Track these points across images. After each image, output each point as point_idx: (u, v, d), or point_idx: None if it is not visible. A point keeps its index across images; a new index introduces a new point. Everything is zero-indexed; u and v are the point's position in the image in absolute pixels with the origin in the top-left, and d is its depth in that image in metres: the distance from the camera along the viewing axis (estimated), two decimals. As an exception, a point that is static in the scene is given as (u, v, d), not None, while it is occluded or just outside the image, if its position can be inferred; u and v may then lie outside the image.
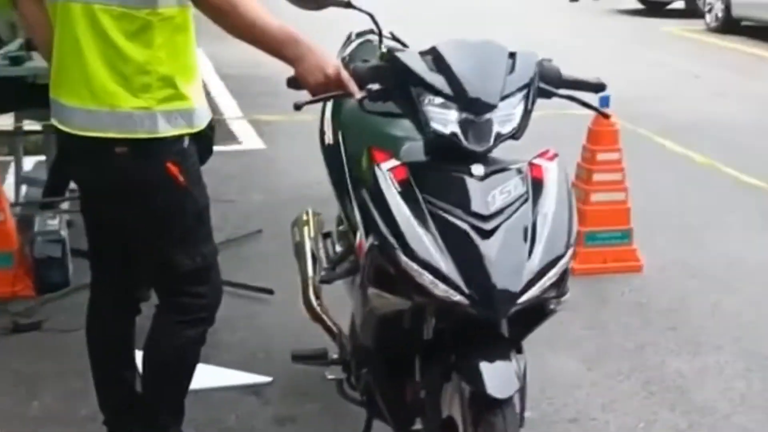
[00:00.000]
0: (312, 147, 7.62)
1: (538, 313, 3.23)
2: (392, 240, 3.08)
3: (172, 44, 3.48)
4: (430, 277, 3.02)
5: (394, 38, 4.42)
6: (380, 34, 3.42)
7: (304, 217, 4.71)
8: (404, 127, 3.74)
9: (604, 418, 4.65)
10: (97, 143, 3.49)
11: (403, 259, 3.05)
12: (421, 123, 3.22)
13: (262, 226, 7.16)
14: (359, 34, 4.63)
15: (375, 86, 3.36)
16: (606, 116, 3.69)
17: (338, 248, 4.52)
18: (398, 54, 3.30)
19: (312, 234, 4.62)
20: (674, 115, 10.14)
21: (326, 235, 4.63)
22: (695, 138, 9.42)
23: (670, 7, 20.36)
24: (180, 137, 3.58)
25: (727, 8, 17.12)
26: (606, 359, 5.22)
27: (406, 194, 3.14)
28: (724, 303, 5.98)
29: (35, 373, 5.02)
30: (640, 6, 20.82)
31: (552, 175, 3.25)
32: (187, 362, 3.98)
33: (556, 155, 3.36)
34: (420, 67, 3.23)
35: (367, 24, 4.57)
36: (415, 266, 3.03)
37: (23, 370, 5.05)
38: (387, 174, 3.19)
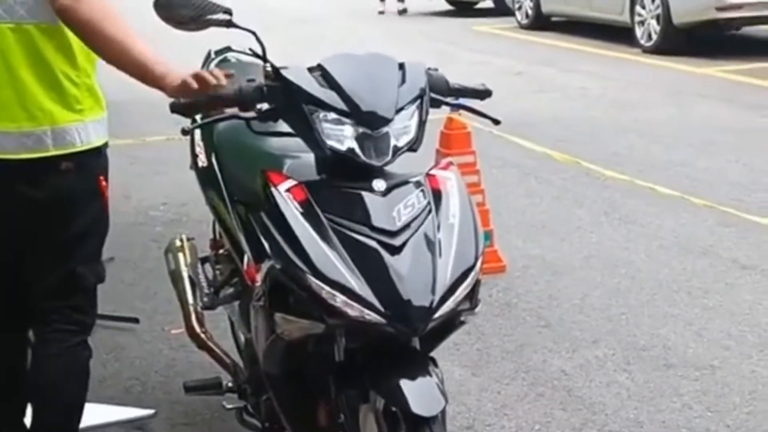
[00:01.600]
0: (150, 169, 7.49)
1: (447, 324, 3.18)
2: (299, 262, 3.00)
3: (88, 55, 3.54)
4: (343, 297, 2.95)
5: (256, 55, 4.32)
6: (264, 53, 3.32)
7: (178, 243, 4.57)
8: (281, 145, 3.66)
9: (498, 423, 4.63)
10: (37, 163, 3.51)
11: (314, 281, 2.97)
12: (315, 140, 3.14)
13: (111, 253, 6.94)
14: (218, 52, 4.52)
15: (264, 106, 3.27)
16: (497, 122, 3.66)
17: (217, 273, 4.41)
18: (286, 72, 3.22)
19: (188, 260, 4.48)
20: (505, 111, 10.12)
21: (203, 260, 4.50)
22: (533, 133, 9.51)
23: (478, 6, 20.61)
24: (103, 147, 3.68)
25: (537, 5, 17.44)
26: (489, 363, 5.20)
27: (308, 214, 3.07)
28: (591, 297, 6.03)
29: None
30: (449, 7, 21.04)
31: (451, 184, 3.22)
32: (84, 387, 3.85)
33: (451, 164, 3.33)
34: (310, 85, 3.16)
35: (225, 41, 4.48)
36: (326, 288, 2.96)
37: None
38: (286, 195, 3.11)
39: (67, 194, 3.60)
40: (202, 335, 4.31)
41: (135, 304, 5.95)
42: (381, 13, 20.07)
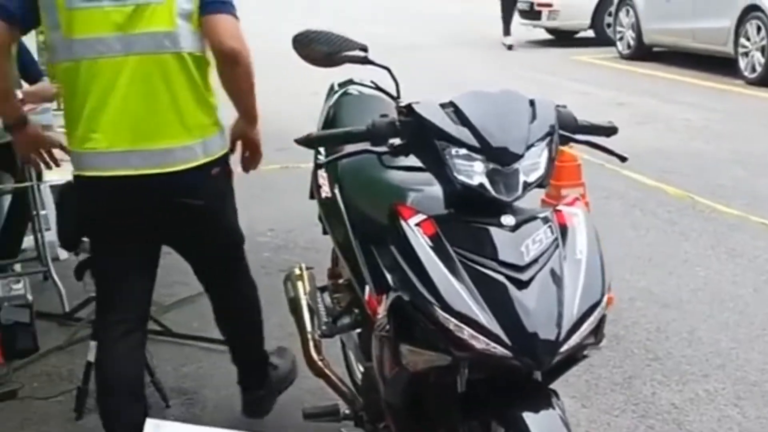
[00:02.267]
0: (257, 196, 7.59)
1: (570, 358, 3.21)
2: (428, 295, 3.03)
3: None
4: (471, 330, 2.98)
5: (378, 88, 4.40)
6: (398, 90, 3.40)
7: (297, 272, 4.65)
8: (405, 178, 3.73)
9: (609, 455, 4.65)
10: (193, 172, 4.16)
11: (442, 314, 3.01)
12: (446, 175, 3.19)
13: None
14: (341, 84, 4.61)
15: (396, 141, 3.33)
16: (623, 159, 3.68)
17: (335, 302, 4.48)
18: (419, 108, 3.27)
19: (307, 288, 4.56)
20: (609, 142, 10.11)
21: (321, 289, 4.58)
22: (637, 164, 9.49)
23: (578, 36, 20.56)
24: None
25: (639, 35, 17.37)
26: (598, 394, 5.22)
27: (437, 248, 3.10)
28: (699, 331, 6.02)
29: (22, 444, 4.89)
30: (549, 36, 21.01)
31: (578, 220, 3.25)
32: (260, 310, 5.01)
33: (578, 199, 3.36)
34: (443, 121, 3.20)
35: (347, 74, 4.56)
36: (454, 321, 2.99)
37: (8, 442, 4.92)
38: (416, 229, 3.15)
39: (218, 195, 4.40)
40: (320, 362, 4.38)
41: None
42: (509, 48, 19.58)
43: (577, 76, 15.75)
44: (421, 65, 15.69)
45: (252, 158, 4.56)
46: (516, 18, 20.83)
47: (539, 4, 20.18)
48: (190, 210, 4.24)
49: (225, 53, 4.04)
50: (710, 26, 15.47)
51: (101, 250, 4.42)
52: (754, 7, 14.56)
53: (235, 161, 4.53)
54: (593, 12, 19.66)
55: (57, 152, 4.57)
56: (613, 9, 18.34)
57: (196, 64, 4.09)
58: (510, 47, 19.36)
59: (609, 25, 19.02)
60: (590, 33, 19.98)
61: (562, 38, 20.36)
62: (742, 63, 14.77)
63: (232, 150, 4.44)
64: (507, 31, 19.70)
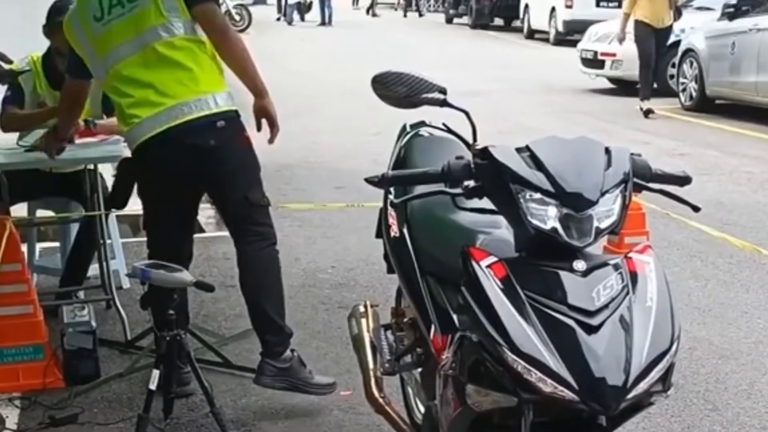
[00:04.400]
0: (319, 233, 7.65)
1: (636, 404, 3.22)
2: (497, 337, 3.06)
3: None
4: (539, 374, 3.01)
5: (449, 130, 4.44)
6: (474, 133, 3.45)
7: (362, 309, 4.70)
8: (474, 220, 3.76)
9: (665, 506, 4.63)
10: (205, 120, 5.24)
11: (510, 356, 3.04)
12: (519, 219, 3.22)
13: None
14: (413, 126, 4.65)
15: (471, 183, 3.37)
16: (696, 209, 3.71)
17: (398, 340, 4.52)
18: (495, 152, 3.31)
19: (371, 326, 4.60)
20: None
21: (385, 327, 4.61)
22: (699, 215, 9.41)
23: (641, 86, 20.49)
24: (237, 112, 5.38)
25: (702, 87, 17.31)
26: (656, 443, 5.21)
27: (508, 290, 3.13)
28: (759, 384, 5.98)
29: (82, 468, 4.94)
30: (611, 85, 20.98)
31: (649, 268, 3.26)
32: (279, 277, 5.49)
33: (649, 247, 3.38)
34: (518, 165, 3.24)
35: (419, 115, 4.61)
36: (522, 363, 3.02)
37: (69, 466, 4.97)
38: (487, 271, 3.19)
39: (230, 143, 5.30)
40: (381, 399, 4.43)
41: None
42: (647, 113, 16.88)
43: (638, 125, 15.72)
44: (487, 111, 15.74)
45: (270, 129, 5.41)
46: (578, 66, 20.82)
47: (603, 53, 20.14)
48: (204, 151, 5.22)
49: (213, 30, 5.30)
50: (774, 80, 15.42)
51: (149, 204, 5.51)
52: (818, 63, 14.51)
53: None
54: (655, 62, 19.59)
55: None
56: (676, 60, 18.28)
57: (193, 42, 5.29)
58: (648, 113, 16.83)
59: (672, 76, 18.95)
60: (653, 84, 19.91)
61: (625, 88, 20.31)
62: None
63: (258, 128, 5.40)
64: (646, 95, 17.11)
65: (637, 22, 16.79)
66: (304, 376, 5.43)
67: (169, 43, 5.25)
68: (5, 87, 6.89)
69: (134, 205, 5.65)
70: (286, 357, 5.41)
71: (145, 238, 5.68)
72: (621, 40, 17.84)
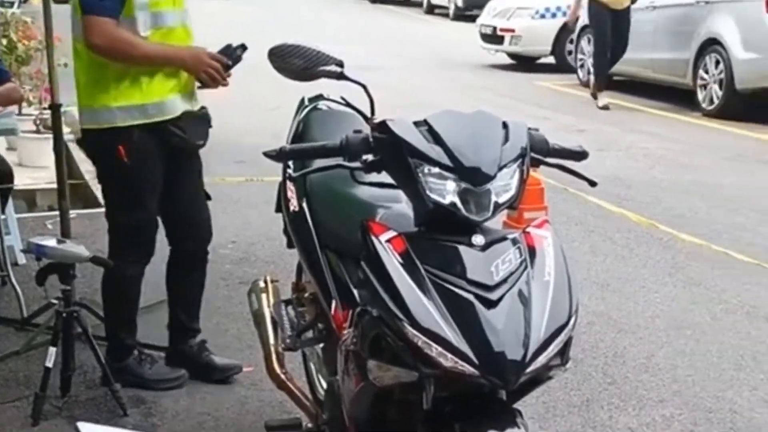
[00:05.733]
0: (219, 208, 7.58)
1: (536, 378, 3.24)
2: (397, 311, 3.06)
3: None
4: (439, 348, 3.01)
5: (348, 104, 4.42)
6: (372, 106, 3.43)
7: (261, 285, 4.66)
8: (374, 194, 3.75)
9: (565, 478, 4.67)
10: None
11: (410, 330, 3.03)
12: (418, 193, 3.22)
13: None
14: (311, 99, 4.62)
15: (369, 157, 3.35)
16: (593, 184, 3.72)
17: (300, 315, 4.49)
18: (393, 125, 3.29)
19: (271, 301, 4.57)
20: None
21: (286, 302, 4.59)
22: (596, 191, 9.50)
23: (540, 61, 20.65)
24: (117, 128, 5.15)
25: (598, 64, 17.44)
26: (556, 416, 5.25)
27: (407, 265, 3.13)
28: (656, 357, 6.07)
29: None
30: (510, 61, 21.10)
31: (547, 243, 3.28)
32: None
33: (547, 222, 3.40)
34: (417, 138, 3.23)
35: (317, 89, 4.58)
36: (423, 338, 3.02)
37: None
38: (387, 246, 3.18)
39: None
40: (282, 375, 4.39)
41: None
42: (605, 108, 15.44)
43: (537, 101, 15.83)
44: (386, 86, 15.71)
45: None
46: (478, 41, 20.88)
47: (502, 29, 20.25)
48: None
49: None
50: (670, 58, 15.60)
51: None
52: (713, 41, 14.70)
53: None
54: (554, 39, 19.76)
55: None
56: (574, 36, 18.42)
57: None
58: (605, 108, 15.31)
59: (570, 53, 19.12)
60: (551, 59, 20.08)
61: (524, 63, 20.45)
62: (701, 95, 14.91)
63: None
64: (600, 86, 15.75)
65: (592, 3, 15.44)
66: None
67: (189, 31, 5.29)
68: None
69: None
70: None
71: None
72: (573, 23, 17.33)
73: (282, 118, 4.63)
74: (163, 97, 5.10)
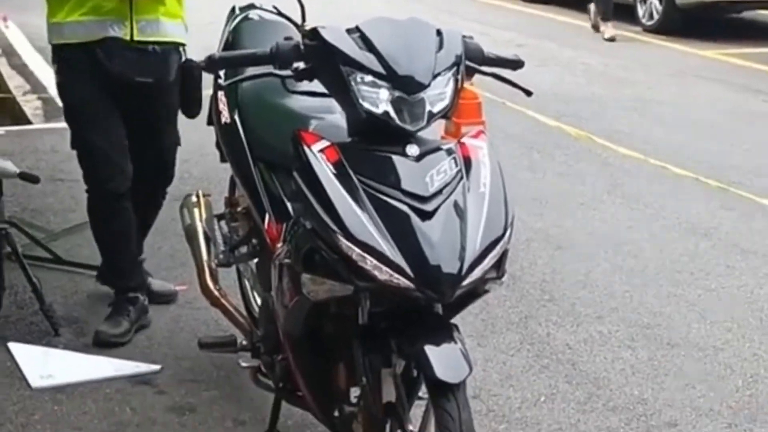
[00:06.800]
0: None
1: (472, 292, 3.19)
2: (331, 223, 3.00)
3: None
4: (374, 261, 2.96)
5: (280, 14, 4.31)
6: (303, 12, 3.33)
7: (194, 199, 4.56)
8: (308, 105, 3.66)
9: (504, 393, 4.64)
10: None
11: (344, 243, 2.97)
12: (351, 102, 3.13)
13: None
14: (242, 8, 4.50)
15: (301, 65, 3.26)
16: (528, 93, 3.65)
17: (233, 231, 4.41)
18: (325, 33, 3.20)
19: (204, 216, 4.48)
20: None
21: (219, 217, 4.49)
22: (535, 107, 9.47)
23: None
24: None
25: (541, -23, 17.25)
26: (494, 333, 5.22)
27: (340, 176, 3.06)
28: (594, 274, 6.04)
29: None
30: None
31: (483, 153, 3.22)
32: None
33: (482, 132, 3.33)
34: (349, 46, 3.15)
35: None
36: (357, 250, 2.96)
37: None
38: (319, 156, 3.10)
39: None
40: (216, 292, 4.32)
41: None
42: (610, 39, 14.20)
43: (476, 16, 15.67)
44: None
45: None
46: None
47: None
48: None
49: None
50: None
51: None
52: (655, -47, 14.59)
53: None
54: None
55: None
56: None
57: None
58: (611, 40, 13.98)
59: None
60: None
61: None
62: (641, 10, 14.81)
63: None
64: (606, 14, 14.27)
65: None
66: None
67: None
68: None
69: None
70: None
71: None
72: None
73: (216, 33, 4.50)
74: (78, 19, 4.78)
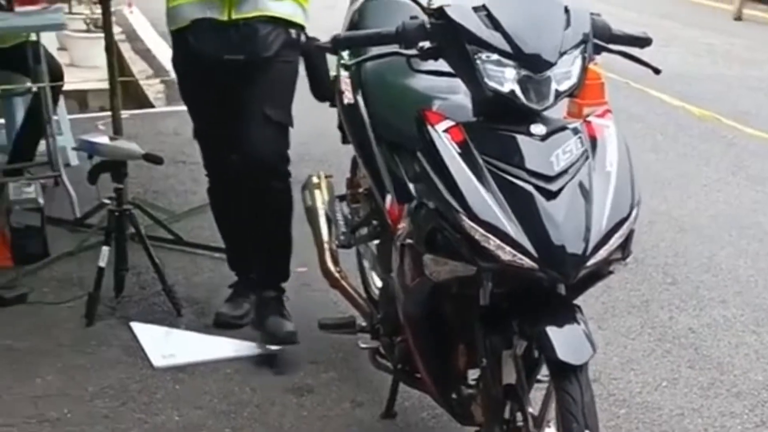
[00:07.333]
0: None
1: (596, 273, 3.13)
2: (454, 203, 2.95)
3: None
4: (497, 241, 2.91)
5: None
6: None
7: (315, 180, 4.56)
8: (432, 84, 3.62)
9: (625, 377, 4.58)
10: None
11: (468, 223, 2.93)
12: (476, 81, 3.08)
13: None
14: None
15: (426, 44, 3.22)
16: (657, 71, 3.56)
17: (354, 212, 4.41)
18: (450, 11, 3.15)
19: (325, 197, 4.48)
20: (628, 64, 9.89)
21: (340, 198, 4.49)
22: (662, 87, 9.34)
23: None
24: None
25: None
26: (615, 316, 5.16)
27: (465, 155, 3.01)
28: (718, 257, 5.94)
29: (30, 348, 4.82)
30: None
31: (609, 133, 3.16)
32: None
33: (609, 111, 3.27)
34: (475, 24, 3.09)
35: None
36: (481, 230, 2.91)
37: (16, 346, 4.84)
38: (444, 135, 3.06)
39: None
40: (336, 273, 4.32)
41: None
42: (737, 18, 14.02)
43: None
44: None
45: None
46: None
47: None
48: None
49: None
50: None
51: None
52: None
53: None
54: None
55: None
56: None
57: None
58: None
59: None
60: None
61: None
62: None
63: None
64: None
65: None
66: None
67: None
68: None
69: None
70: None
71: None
72: None
73: (338, 16, 4.48)
74: (182, 3, 4.64)
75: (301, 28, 4.71)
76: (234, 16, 4.56)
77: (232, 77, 4.63)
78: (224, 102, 4.71)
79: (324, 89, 4.58)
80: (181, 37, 4.69)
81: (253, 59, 4.59)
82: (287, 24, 4.65)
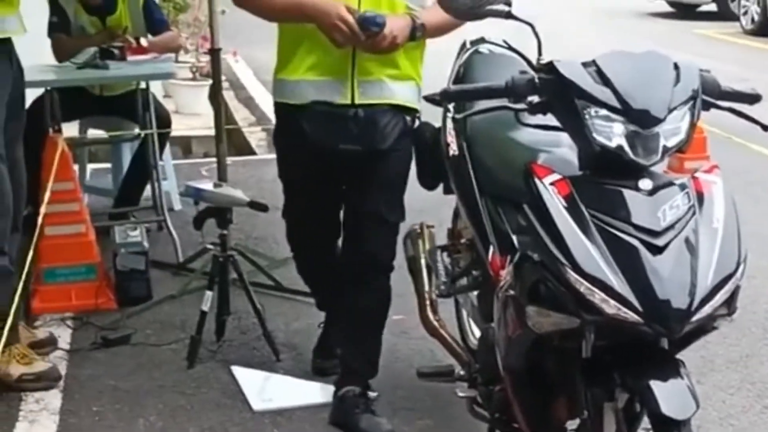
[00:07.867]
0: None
1: (700, 328, 3.13)
2: (560, 256, 2.98)
3: None
4: (602, 294, 2.93)
5: (510, 48, 4.32)
6: (539, 46, 3.35)
7: (417, 230, 4.61)
8: (536, 138, 3.65)
9: (724, 433, 4.55)
10: None
11: (573, 276, 2.95)
12: (584, 136, 3.12)
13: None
14: (473, 42, 4.53)
15: (535, 99, 3.27)
16: (765, 128, 3.58)
17: (455, 262, 4.44)
18: (560, 66, 3.20)
19: (426, 247, 4.52)
20: (732, 118, 9.83)
21: (441, 249, 4.53)
22: (765, 141, 9.22)
23: (700, 9, 20.10)
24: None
25: (764, 10, 16.87)
26: (713, 371, 5.12)
27: (571, 209, 3.04)
28: (819, 313, 5.88)
29: (133, 388, 4.93)
30: (670, 9, 20.61)
31: (716, 188, 3.17)
32: None
33: (716, 167, 3.28)
34: (584, 80, 3.13)
35: (478, 32, 4.49)
36: (586, 283, 2.94)
37: (120, 386, 4.95)
38: (551, 189, 3.09)
39: None
40: (435, 322, 4.36)
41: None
42: None
43: (698, 50, 15.39)
44: (541, 31, 15.39)
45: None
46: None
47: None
48: None
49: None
50: None
51: None
52: None
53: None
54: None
55: None
56: (737, -18, 17.83)
57: None
58: None
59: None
60: (713, 7, 19.51)
61: (683, 11, 19.89)
62: None
63: None
64: None
65: None
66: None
67: None
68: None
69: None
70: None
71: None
72: None
73: (441, 64, 4.54)
74: (297, 77, 4.32)
75: (415, 112, 4.44)
76: (357, 101, 4.27)
77: (343, 168, 4.42)
78: (329, 192, 4.55)
79: (434, 177, 4.50)
80: (292, 117, 4.37)
81: (369, 151, 4.32)
82: (404, 110, 4.39)
